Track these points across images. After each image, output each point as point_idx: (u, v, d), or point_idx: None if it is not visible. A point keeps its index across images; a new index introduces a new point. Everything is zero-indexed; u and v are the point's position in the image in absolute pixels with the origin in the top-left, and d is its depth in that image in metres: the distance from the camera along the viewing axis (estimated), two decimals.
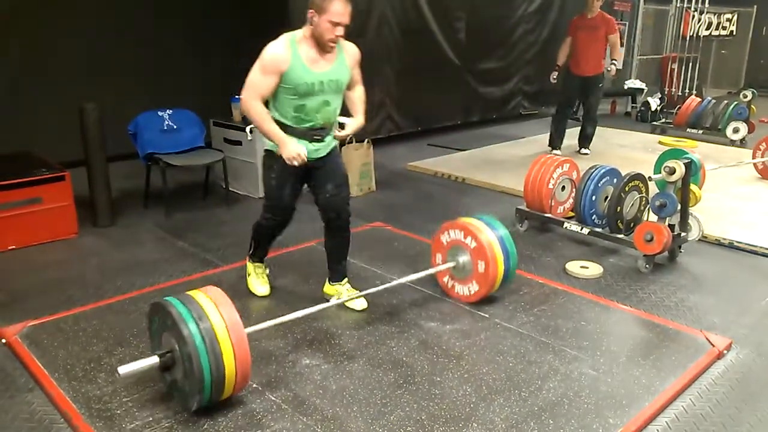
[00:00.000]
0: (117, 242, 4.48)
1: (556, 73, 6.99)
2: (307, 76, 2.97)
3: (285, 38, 2.99)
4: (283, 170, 3.13)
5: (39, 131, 5.52)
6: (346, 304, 3.42)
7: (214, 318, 2.46)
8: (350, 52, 3.17)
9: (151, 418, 2.52)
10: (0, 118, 5.52)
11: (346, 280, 3.53)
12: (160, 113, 5.19)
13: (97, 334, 3.16)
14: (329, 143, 3.23)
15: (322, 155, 3.21)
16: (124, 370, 2.45)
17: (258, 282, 3.61)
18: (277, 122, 3.06)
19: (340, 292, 3.47)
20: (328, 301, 3.26)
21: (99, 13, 5.99)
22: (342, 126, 3.31)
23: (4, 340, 3.09)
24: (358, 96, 3.30)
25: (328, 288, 3.56)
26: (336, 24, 2.90)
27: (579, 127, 7.30)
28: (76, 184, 4.57)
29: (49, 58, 5.80)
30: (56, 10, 5.79)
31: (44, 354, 2.97)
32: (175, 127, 5.23)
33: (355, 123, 3.26)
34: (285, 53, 2.95)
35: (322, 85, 3.02)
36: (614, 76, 7.24)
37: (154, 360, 2.51)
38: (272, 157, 3.16)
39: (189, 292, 2.60)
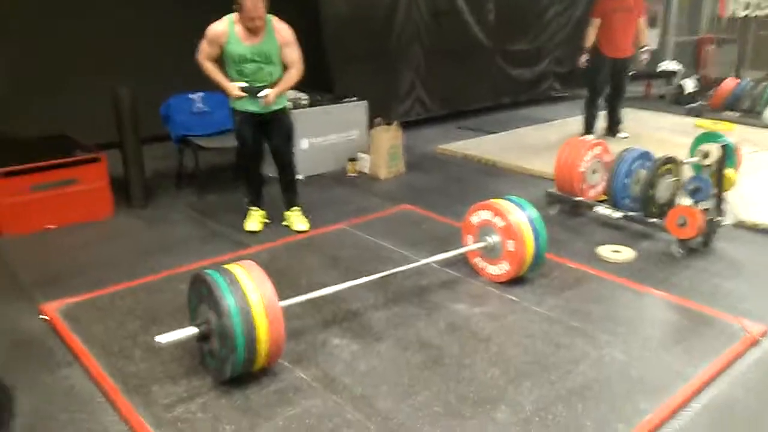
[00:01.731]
0: (150, 222, 4.56)
1: (586, 56, 6.68)
2: (240, 48, 3.91)
3: (225, 18, 3.91)
4: (242, 119, 4.12)
5: (76, 114, 5.60)
6: (293, 227, 4.37)
7: (250, 288, 2.53)
8: (279, 30, 4.00)
9: (185, 394, 2.59)
10: (36, 101, 5.63)
11: (296, 208, 4.46)
12: (191, 96, 5.24)
13: (132, 312, 3.24)
14: (278, 104, 4.12)
15: (271, 111, 4.09)
16: (162, 339, 2.52)
17: (249, 220, 4.39)
18: (231, 79, 3.99)
19: (289, 216, 4.43)
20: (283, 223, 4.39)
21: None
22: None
23: (44, 317, 3.19)
24: (286, 75, 4.09)
25: (285, 213, 4.48)
26: (251, 18, 3.77)
27: (608, 111, 7.12)
28: (112, 166, 4.65)
29: (82, 41, 5.87)
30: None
31: (82, 330, 3.05)
32: (206, 109, 5.28)
33: (273, 90, 4.02)
34: (223, 29, 3.90)
35: (253, 54, 3.92)
36: (645, 60, 6.96)
37: (191, 330, 2.59)
38: (234, 110, 4.14)
39: (225, 265, 2.66)
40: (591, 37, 6.65)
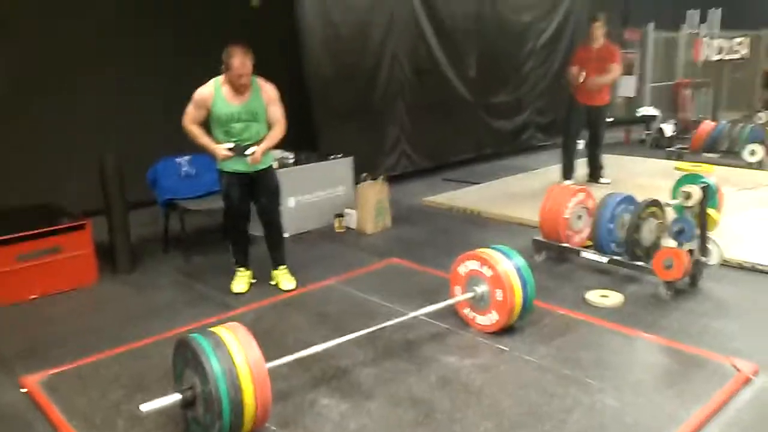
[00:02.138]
0: (137, 288, 4.53)
1: (580, 73, 6.68)
2: (227, 108, 3.96)
3: (211, 81, 4.00)
4: (230, 180, 4.15)
5: (60, 182, 5.64)
6: (280, 286, 4.37)
7: (236, 351, 2.50)
8: (266, 89, 4.09)
9: None
10: (21, 170, 5.66)
11: (283, 266, 4.46)
12: (178, 160, 5.29)
13: (117, 380, 3.17)
14: (265, 162, 4.16)
15: (258, 169, 4.13)
16: (146, 407, 2.46)
17: (235, 282, 4.39)
18: (218, 142, 4.04)
19: (277, 275, 4.43)
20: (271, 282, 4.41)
21: (116, 62, 6.15)
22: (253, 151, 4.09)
23: (24, 390, 3.12)
24: (270, 133, 4.14)
25: (273, 272, 4.47)
26: (239, 75, 3.85)
27: (587, 158, 7.25)
28: (98, 232, 4.65)
29: (68, 109, 5.95)
30: (75, 60, 5.95)
31: (64, 402, 2.98)
32: (193, 172, 5.32)
33: (259, 147, 4.05)
34: (209, 92, 3.97)
35: (240, 114, 3.98)
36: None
37: (175, 397, 2.53)
38: (221, 172, 4.17)
39: (211, 328, 2.63)
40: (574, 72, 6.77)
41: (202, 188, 5.24)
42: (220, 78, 3.98)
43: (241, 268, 4.43)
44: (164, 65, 6.30)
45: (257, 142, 4.06)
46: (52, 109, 5.88)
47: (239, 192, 4.18)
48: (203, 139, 4.06)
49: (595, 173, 7.19)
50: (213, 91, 3.96)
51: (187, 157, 5.31)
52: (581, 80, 6.70)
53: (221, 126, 4.01)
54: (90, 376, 3.23)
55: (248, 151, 4.02)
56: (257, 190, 4.23)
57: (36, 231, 4.32)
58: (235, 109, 3.97)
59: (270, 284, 4.42)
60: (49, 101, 5.86)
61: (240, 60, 3.82)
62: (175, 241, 5.24)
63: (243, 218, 4.33)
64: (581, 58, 6.79)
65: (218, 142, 4.04)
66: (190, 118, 4.03)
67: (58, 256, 4.40)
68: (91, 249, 4.55)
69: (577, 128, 7.07)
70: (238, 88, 3.94)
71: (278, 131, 4.15)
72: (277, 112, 4.14)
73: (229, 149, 4.00)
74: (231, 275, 4.40)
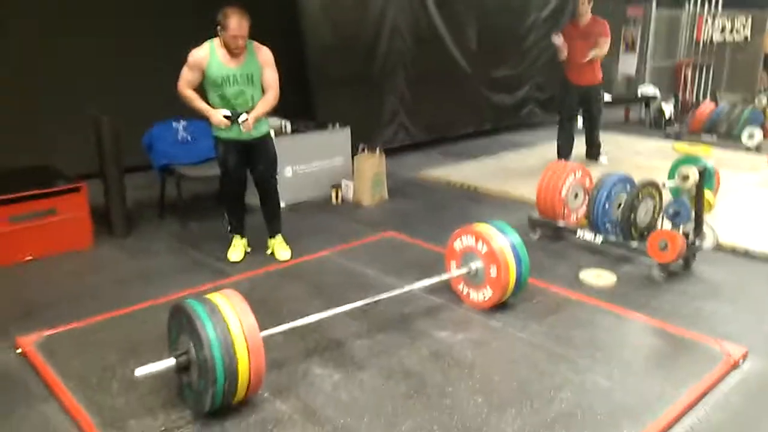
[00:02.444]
0: (132, 252, 4.52)
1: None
2: (222, 71, 3.89)
3: (206, 43, 3.93)
4: (226, 147, 4.09)
5: (58, 144, 5.59)
6: (275, 254, 4.38)
7: (231, 318, 2.51)
8: (261, 52, 4.02)
9: (163, 427, 2.54)
10: (19, 132, 5.61)
11: (279, 235, 4.45)
12: (174, 124, 5.25)
13: (111, 344, 3.19)
14: (261, 130, 4.13)
15: (255, 137, 4.09)
16: (140, 371, 2.48)
17: (231, 250, 4.38)
18: (213, 107, 3.97)
19: (273, 243, 4.42)
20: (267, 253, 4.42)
21: (117, 25, 6.06)
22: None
23: (20, 350, 3.13)
24: (263, 98, 4.07)
25: (269, 241, 4.46)
26: (235, 36, 3.77)
27: (585, 137, 7.12)
28: (93, 196, 4.62)
29: (66, 72, 5.88)
30: (74, 23, 5.87)
31: (59, 363, 3.00)
32: (189, 138, 5.28)
33: (252, 114, 3.99)
34: (204, 54, 3.90)
35: (236, 78, 3.91)
36: (588, 57, 6.46)
37: (170, 362, 2.55)
38: (217, 139, 4.11)
39: (207, 295, 2.63)
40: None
41: (199, 154, 5.21)
42: (216, 40, 3.91)
43: (237, 236, 4.41)
44: (163, 27, 6.20)
45: (251, 108, 4.00)
46: (50, 70, 5.80)
47: (236, 159, 4.14)
48: (198, 103, 3.99)
49: (592, 152, 7.14)
50: (208, 53, 3.90)
51: (183, 123, 5.26)
52: (563, 57, 6.55)
53: (216, 89, 3.94)
54: (85, 339, 3.25)
55: (241, 119, 3.97)
56: (254, 157, 4.19)
57: (30, 192, 4.30)
58: (230, 71, 3.90)
59: (266, 253, 4.42)
60: (47, 63, 5.78)
61: (237, 21, 3.76)
62: (172, 206, 5.23)
63: (239, 185, 4.28)
64: (567, 34, 6.56)
65: (213, 106, 3.99)
66: (185, 81, 3.96)
67: (54, 218, 4.38)
68: (86, 212, 4.54)
69: (571, 108, 6.93)
70: (234, 51, 3.87)
71: (272, 96, 4.08)
72: (271, 76, 4.07)
73: (226, 116, 3.94)
74: (227, 243, 4.40)
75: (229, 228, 4.45)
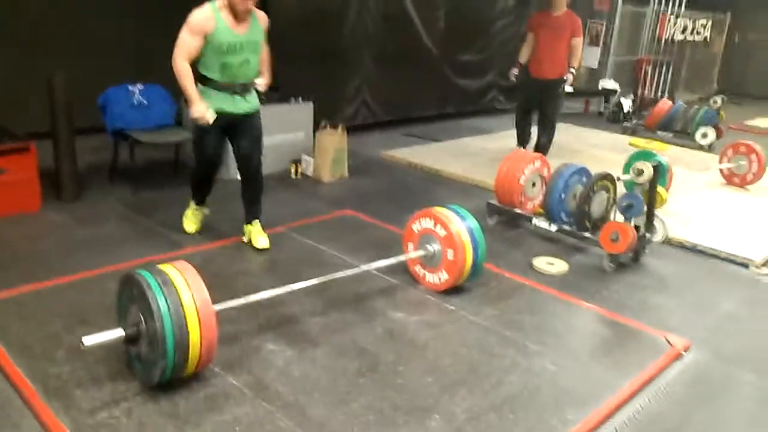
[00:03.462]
0: (80, 218, 4.38)
1: (517, 70, 6.29)
2: (230, 37, 3.49)
3: (207, 5, 3.48)
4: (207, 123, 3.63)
5: (7, 102, 5.35)
6: (252, 242, 4.00)
7: (183, 291, 2.46)
8: (261, 17, 3.70)
9: (109, 399, 2.49)
10: None
11: (257, 221, 4.04)
12: (130, 87, 5.08)
13: (57, 312, 3.10)
14: (253, 104, 3.78)
15: (246, 112, 3.73)
16: (88, 341, 2.42)
17: (188, 221, 4.16)
18: (205, 77, 3.59)
19: (251, 230, 4.03)
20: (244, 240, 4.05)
21: None
22: (257, 88, 3.86)
23: None
24: (266, 57, 3.86)
25: (246, 227, 4.06)
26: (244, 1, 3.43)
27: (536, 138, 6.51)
28: (42, 157, 4.45)
29: (19, 27, 5.62)
30: None
31: (1, 330, 2.90)
32: (145, 102, 5.12)
33: (265, 81, 3.86)
34: (210, 17, 3.44)
35: (242, 45, 3.55)
36: (572, 84, 6.25)
37: (119, 332, 2.50)
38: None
39: (160, 265, 2.57)
40: (523, 52, 6.31)
41: (154, 120, 5.08)
42: (218, 2, 3.49)
43: (198, 206, 4.17)
44: None
45: (251, 79, 3.72)
46: (5, 24, 5.53)
47: (217, 138, 3.75)
48: (189, 83, 3.51)
49: (539, 150, 6.23)
50: (213, 16, 3.45)
51: (140, 86, 5.10)
52: (513, 78, 6.30)
53: (218, 57, 3.52)
54: (29, 306, 3.14)
55: (259, 85, 3.78)
56: (239, 134, 3.79)
57: None
58: (237, 38, 3.52)
59: (242, 240, 4.09)
60: (1, 17, 5.51)
61: None
62: (124, 172, 5.08)
63: (216, 166, 3.95)
64: (537, 23, 6.20)
65: (207, 79, 3.60)
66: (185, 49, 3.47)
67: (0, 178, 4.20)
68: (35, 173, 4.36)
69: (531, 102, 6.47)
70: (241, 14, 3.48)
71: (269, 61, 3.83)
72: (265, 43, 3.80)
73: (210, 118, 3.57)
74: (180, 212, 4.27)
75: (193, 201, 4.17)
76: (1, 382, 2.57)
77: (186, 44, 3.46)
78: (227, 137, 3.84)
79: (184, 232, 4.19)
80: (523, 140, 6.79)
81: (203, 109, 3.54)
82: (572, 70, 6.14)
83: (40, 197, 4.43)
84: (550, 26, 6.10)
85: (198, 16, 3.44)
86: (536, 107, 6.45)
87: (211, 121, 3.56)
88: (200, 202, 4.18)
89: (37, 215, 4.36)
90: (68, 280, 3.44)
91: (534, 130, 6.64)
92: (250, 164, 3.91)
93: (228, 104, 3.66)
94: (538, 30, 6.18)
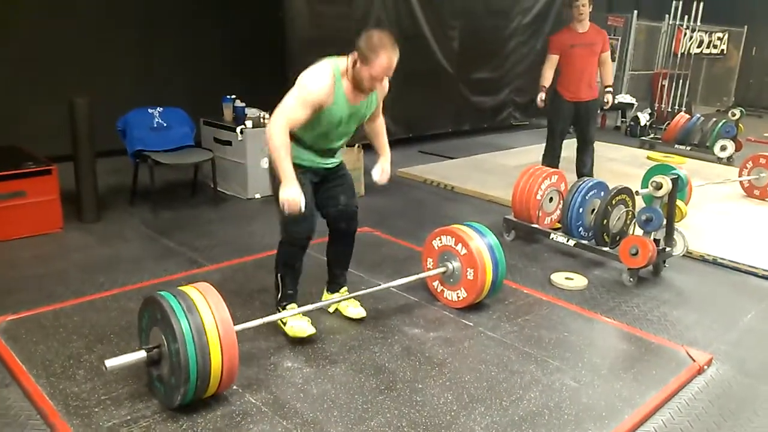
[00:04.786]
0: (102, 238, 4.44)
1: (544, 95, 5.83)
2: (344, 110, 2.96)
3: (329, 70, 2.89)
4: (303, 177, 2.98)
5: (30, 126, 5.48)
6: (344, 312, 3.40)
7: (205, 313, 2.47)
8: (384, 87, 3.14)
9: (129, 417, 2.50)
10: None
11: (345, 289, 3.46)
12: (150, 111, 5.17)
13: (78, 331, 3.13)
14: (339, 157, 3.25)
15: (333, 167, 3.21)
16: (111, 363, 2.43)
17: (302, 323, 3.13)
18: (296, 137, 2.97)
19: (338, 299, 3.40)
20: (329, 311, 3.44)
21: (94, 9, 5.96)
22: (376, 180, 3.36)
23: None
24: (381, 129, 3.35)
25: (326, 296, 3.45)
26: (381, 78, 2.90)
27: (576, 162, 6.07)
28: (64, 179, 4.53)
29: (41, 53, 5.76)
30: (51, 6, 5.75)
31: (22, 349, 2.93)
32: (165, 125, 5.21)
33: (386, 160, 3.34)
34: (330, 89, 2.87)
35: (350, 118, 3.03)
36: (609, 106, 5.98)
37: (141, 354, 2.51)
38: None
39: (181, 287, 2.59)
40: (547, 75, 5.84)
41: (173, 141, 5.16)
42: (340, 66, 2.93)
43: (293, 304, 3.20)
44: (142, 13, 6.10)
45: (340, 146, 3.19)
46: (26, 49, 5.67)
47: (309, 195, 3.02)
48: (286, 161, 2.84)
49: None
50: (332, 86, 2.87)
51: (159, 109, 5.20)
52: (540, 104, 5.87)
53: (321, 128, 2.97)
54: (50, 325, 3.18)
55: (375, 174, 3.29)
56: (331, 189, 3.22)
57: None
58: (350, 110, 2.99)
59: (328, 311, 3.48)
60: (23, 42, 5.65)
61: (388, 60, 2.86)
62: (143, 193, 5.15)
63: (309, 235, 3.12)
64: (565, 44, 5.70)
65: (297, 137, 2.98)
66: (290, 119, 2.84)
67: (23, 200, 4.29)
68: (56, 195, 4.45)
69: (564, 128, 5.98)
70: (366, 91, 2.96)
71: (384, 132, 3.33)
72: (380, 106, 3.26)
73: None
74: (199, 232, 4.32)
75: (279, 296, 3.22)
76: (22, 401, 2.60)
77: (294, 114, 2.85)
78: (316, 197, 3.17)
79: (306, 336, 3.15)
80: (555, 166, 5.83)
81: (296, 194, 2.85)
82: (610, 89, 5.83)
83: (62, 218, 4.51)
84: (582, 44, 5.66)
85: (318, 87, 2.85)
86: (568, 131, 6.07)
87: (303, 210, 2.90)
88: (292, 300, 3.21)
89: (59, 236, 4.43)
90: (89, 299, 3.48)
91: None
92: (349, 221, 3.31)
93: (317, 160, 3.12)
94: (569, 50, 5.68)
